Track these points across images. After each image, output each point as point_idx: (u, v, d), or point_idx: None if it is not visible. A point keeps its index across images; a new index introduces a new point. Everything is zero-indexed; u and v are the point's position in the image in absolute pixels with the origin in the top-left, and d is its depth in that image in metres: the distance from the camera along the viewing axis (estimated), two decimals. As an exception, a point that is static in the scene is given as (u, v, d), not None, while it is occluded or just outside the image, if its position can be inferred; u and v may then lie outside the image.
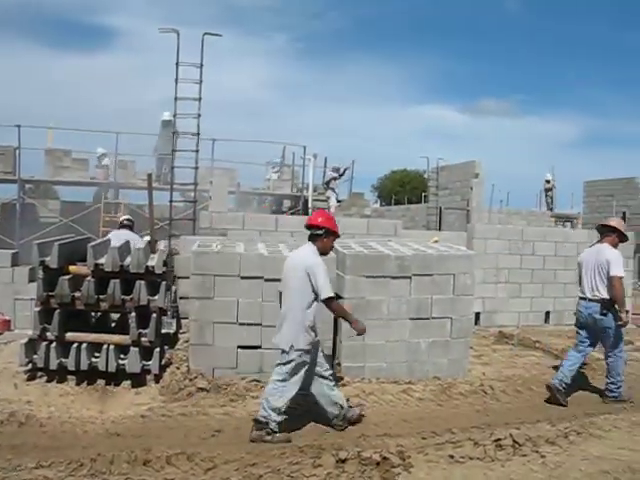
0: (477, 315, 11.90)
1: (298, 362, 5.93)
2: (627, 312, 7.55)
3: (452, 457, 5.30)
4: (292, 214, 20.74)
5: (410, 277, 7.91)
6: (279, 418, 5.86)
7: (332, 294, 5.99)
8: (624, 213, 25.67)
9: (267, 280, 7.41)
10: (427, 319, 7.99)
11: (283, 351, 5.96)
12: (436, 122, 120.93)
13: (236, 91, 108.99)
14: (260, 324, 7.42)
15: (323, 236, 6.26)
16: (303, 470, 4.84)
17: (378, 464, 4.95)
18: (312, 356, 6.05)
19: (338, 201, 23.54)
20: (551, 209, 29.20)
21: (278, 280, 7.11)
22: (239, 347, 7.42)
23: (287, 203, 24.90)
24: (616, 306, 7.36)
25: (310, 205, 21.59)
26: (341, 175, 23.70)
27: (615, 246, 7.71)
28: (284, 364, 5.94)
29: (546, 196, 29.78)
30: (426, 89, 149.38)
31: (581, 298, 7.64)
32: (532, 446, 5.61)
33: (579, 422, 6.40)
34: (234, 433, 5.93)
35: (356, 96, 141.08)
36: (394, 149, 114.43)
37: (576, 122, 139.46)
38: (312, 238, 6.28)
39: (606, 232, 7.81)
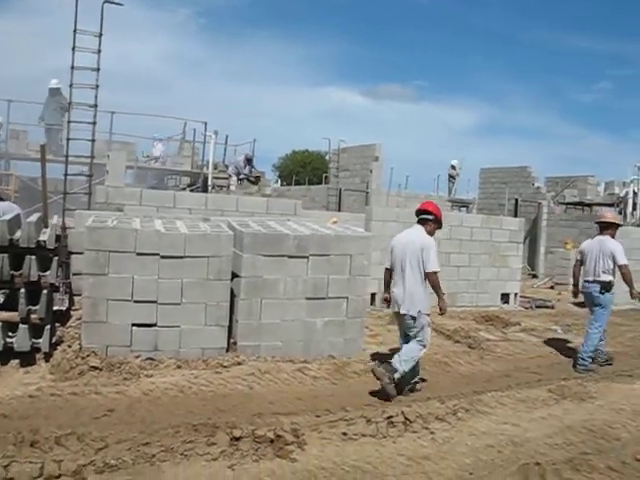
0: (373, 296, 12.09)
1: (425, 323, 7.00)
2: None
3: (345, 434, 5.39)
4: (192, 191, 20.42)
5: (307, 257, 7.96)
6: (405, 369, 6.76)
7: (438, 269, 7.04)
8: (516, 200, 26.61)
9: (163, 257, 7.28)
10: (323, 299, 8.07)
11: (412, 317, 6.89)
12: (338, 104, 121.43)
13: (137, 64, 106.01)
14: (156, 302, 7.28)
15: (432, 222, 7.30)
16: (197, 448, 4.82)
17: (272, 442, 4.98)
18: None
19: (240, 180, 23.46)
20: (452, 194, 29.94)
21: (175, 257, 7.05)
22: (134, 325, 7.26)
23: (186, 180, 24.50)
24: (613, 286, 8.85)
25: (210, 183, 21.33)
26: (249, 162, 23.69)
27: (613, 237, 9.03)
28: (418, 329, 6.94)
29: (449, 182, 30.49)
30: (329, 71, 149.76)
31: (585, 280, 8.97)
32: (422, 423, 5.79)
33: (467, 400, 6.64)
34: (127, 412, 5.81)
35: (259, 75, 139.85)
36: (296, 129, 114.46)
37: (474, 110, 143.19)
38: (421, 222, 7.31)
39: (605, 225, 9.08)
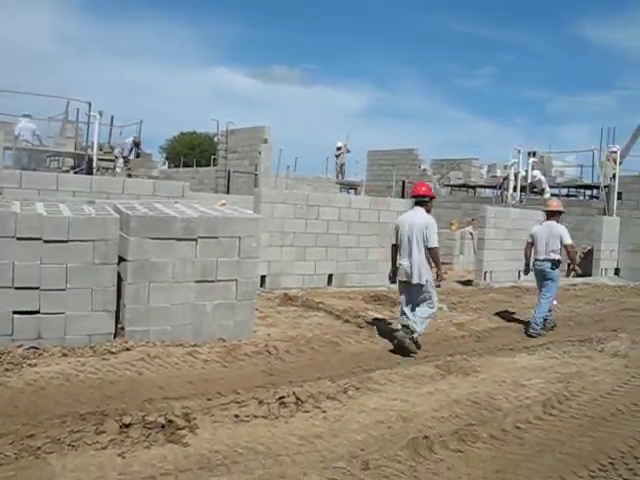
0: (263, 278, 12.09)
1: (431, 289, 8.34)
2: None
3: (237, 416, 5.37)
4: (75, 173, 19.72)
5: (196, 239, 7.84)
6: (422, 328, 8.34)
7: (437, 245, 8.38)
8: (403, 182, 27.19)
9: (47, 242, 6.99)
10: (212, 282, 7.98)
11: (415, 285, 8.22)
12: (227, 86, 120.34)
13: (18, 42, 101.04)
14: (38, 288, 6.99)
15: (428, 202, 8.75)
16: (85, 438, 4.67)
17: (163, 427, 4.90)
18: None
19: (126, 162, 22.93)
20: (340, 176, 30.24)
21: (59, 242, 6.79)
22: (15, 312, 6.94)
23: (69, 162, 23.63)
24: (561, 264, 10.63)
25: (95, 165, 20.66)
26: (137, 146, 23.16)
27: (558, 222, 10.73)
28: (427, 295, 8.33)
29: (336, 164, 30.78)
30: (218, 52, 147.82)
31: (535, 259, 10.51)
32: (314, 402, 5.84)
33: (358, 378, 6.75)
34: (9, 404, 5.55)
35: (145, 54, 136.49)
36: (184, 110, 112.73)
37: (364, 93, 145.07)
38: (420, 204, 8.69)
39: (552, 212, 10.80)
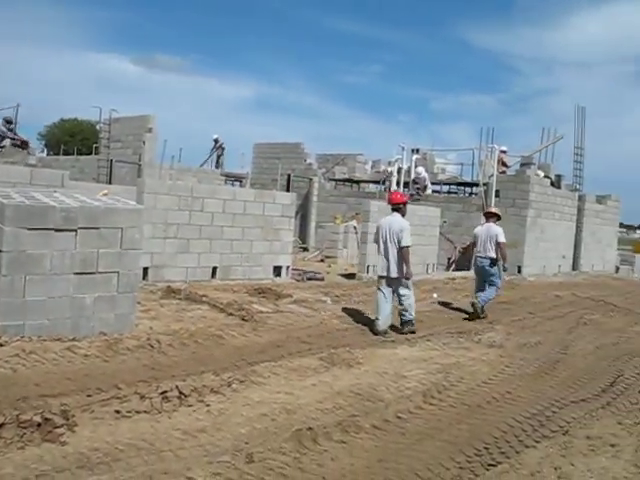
0: (145, 270, 11.84)
1: (406, 281, 9.85)
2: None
3: (118, 412, 5.23)
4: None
5: (76, 230, 7.55)
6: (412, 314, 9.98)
7: (410, 244, 9.81)
8: (289, 175, 27.29)
9: None
10: (93, 274, 7.72)
11: (394, 278, 9.76)
12: (110, 72, 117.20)
13: None
14: None
15: (402, 207, 10.19)
16: (-48, 439, 4.42)
17: (39, 426, 4.69)
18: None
19: (1, 147, 21.90)
20: (217, 167, 29.94)
21: None
22: None
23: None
24: (500, 261, 11.99)
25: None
26: (9, 124, 22.11)
27: (495, 223, 12.17)
28: (402, 284, 9.86)
29: (212, 154, 30.47)
30: (102, 37, 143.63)
31: (477, 256, 12.10)
32: (198, 396, 5.77)
33: (242, 371, 6.72)
34: None
35: (22, 37, 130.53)
36: (64, 96, 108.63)
37: (251, 86, 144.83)
38: (397, 210, 10.14)
39: (490, 215, 12.40)
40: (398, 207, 10.14)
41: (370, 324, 9.97)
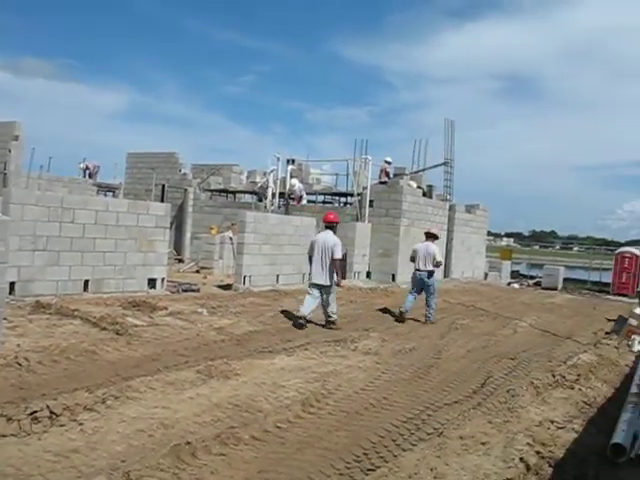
0: (12, 285, 11.30)
1: (333, 288, 11.80)
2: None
3: (-18, 437, 4.96)
4: None
5: (-64, 244, 7.12)
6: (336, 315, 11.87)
7: (341, 257, 11.94)
8: (163, 186, 26.83)
9: None
10: (-45, 290, 7.30)
11: (326, 285, 11.63)
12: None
13: None
14: None
15: (335, 226, 12.11)
16: None
17: None
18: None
19: None
20: (90, 177, 29.14)
21: None
22: None
23: None
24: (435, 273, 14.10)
25: None
26: None
27: (433, 242, 14.14)
28: (331, 291, 11.77)
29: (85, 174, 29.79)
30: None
31: (416, 269, 13.86)
32: (70, 415, 5.55)
33: (117, 387, 6.52)
34: None
35: None
36: None
37: (126, 95, 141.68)
38: (330, 228, 12.00)
39: (430, 235, 14.31)
40: (331, 225, 12.04)
41: (247, 335, 9.96)
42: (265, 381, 7.46)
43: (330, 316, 11.77)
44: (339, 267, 11.82)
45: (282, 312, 12.78)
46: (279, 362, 8.53)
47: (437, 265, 13.99)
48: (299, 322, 11.42)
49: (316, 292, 11.70)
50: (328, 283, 11.64)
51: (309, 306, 11.64)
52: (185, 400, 6.46)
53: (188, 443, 5.10)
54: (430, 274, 13.83)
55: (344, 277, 12.59)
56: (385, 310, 14.64)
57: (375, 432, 5.91)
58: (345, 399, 7.02)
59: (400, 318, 13.50)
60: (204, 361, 8.04)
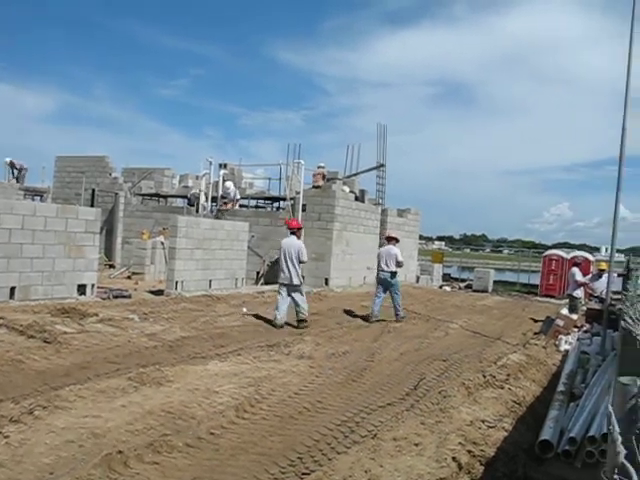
0: None
1: (302, 287, 13.02)
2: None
3: None
4: None
5: None
6: (307, 312, 12.93)
7: (307, 260, 13.42)
8: (93, 190, 26.34)
9: None
10: None
11: (297, 285, 12.80)
12: None
13: None
14: None
15: (297, 231, 13.18)
16: None
17: None
18: None
19: None
20: (17, 181, 28.35)
21: None
22: None
23: None
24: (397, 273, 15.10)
25: None
26: None
27: (395, 245, 15.06)
28: (300, 290, 12.94)
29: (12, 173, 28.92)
30: None
31: (380, 270, 14.84)
32: (-5, 427, 5.38)
33: (45, 397, 6.36)
34: None
35: None
36: None
37: (55, 97, 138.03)
38: (293, 233, 13.11)
39: (390, 238, 15.33)
40: (294, 231, 13.17)
41: (179, 341, 9.86)
42: (198, 387, 7.38)
43: (300, 314, 12.77)
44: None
45: (216, 317, 12.68)
46: (212, 368, 8.46)
47: (399, 265, 14.99)
48: (276, 323, 12.53)
49: (285, 292, 12.78)
50: (297, 282, 12.82)
51: (282, 311, 12.69)
52: (117, 408, 6.34)
53: (120, 452, 5.00)
54: (393, 274, 14.84)
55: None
56: (318, 313, 14.67)
57: (309, 436, 5.92)
58: (279, 404, 7.01)
59: (370, 320, 14.52)
60: (136, 368, 7.91)
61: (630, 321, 6.96)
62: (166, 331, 10.84)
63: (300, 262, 12.90)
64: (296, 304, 12.82)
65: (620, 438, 1.91)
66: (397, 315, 14.88)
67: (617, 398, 2.68)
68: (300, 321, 12.75)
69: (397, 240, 15.38)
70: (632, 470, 1.72)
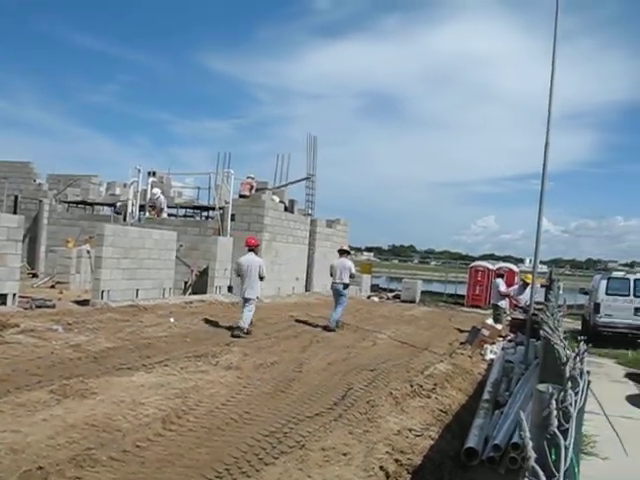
0: None
1: (255, 301, 13.63)
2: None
3: None
4: None
5: None
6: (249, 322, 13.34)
7: (266, 275, 13.99)
8: (16, 197, 25.62)
9: None
10: None
11: (251, 299, 13.44)
12: None
13: None
14: None
15: (255, 249, 13.94)
16: None
17: None
18: None
19: None
20: None
21: None
22: None
23: None
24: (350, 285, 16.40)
25: None
26: None
27: (347, 258, 16.33)
28: (251, 304, 13.45)
29: None
30: None
31: (333, 282, 15.68)
32: None
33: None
34: None
35: None
36: None
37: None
38: (252, 250, 13.80)
39: (343, 252, 16.28)
40: (252, 248, 13.83)
41: (104, 352, 9.68)
42: (124, 399, 7.24)
43: (242, 321, 13.24)
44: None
45: (143, 328, 12.48)
46: (138, 379, 8.31)
47: (352, 277, 16.09)
48: (236, 333, 12.86)
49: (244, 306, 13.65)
50: (253, 297, 13.54)
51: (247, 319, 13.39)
52: (37, 422, 6.16)
53: (40, 468, 4.87)
54: (345, 286, 15.71)
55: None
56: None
57: (237, 447, 5.88)
58: (206, 415, 6.94)
59: (330, 329, 15.14)
60: (59, 380, 7.71)
61: (549, 330, 7.18)
62: (91, 342, 10.60)
63: (260, 278, 13.58)
64: (242, 312, 13.37)
65: (531, 443, 1.99)
66: (331, 323, 15.33)
67: (536, 405, 2.77)
68: (236, 328, 13.03)
69: (349, 252, 16.78)
70: (541, 473, 1.80)
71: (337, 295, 15.74)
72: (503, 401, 8.71)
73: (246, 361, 10.16)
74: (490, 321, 16.54)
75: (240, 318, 13.30)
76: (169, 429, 6.32)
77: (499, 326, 16.36)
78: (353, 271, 16.06)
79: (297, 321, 16.30)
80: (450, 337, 16.47)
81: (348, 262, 15.97)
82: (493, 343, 14.49)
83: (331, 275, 15.97)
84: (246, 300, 13.50)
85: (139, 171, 23.89)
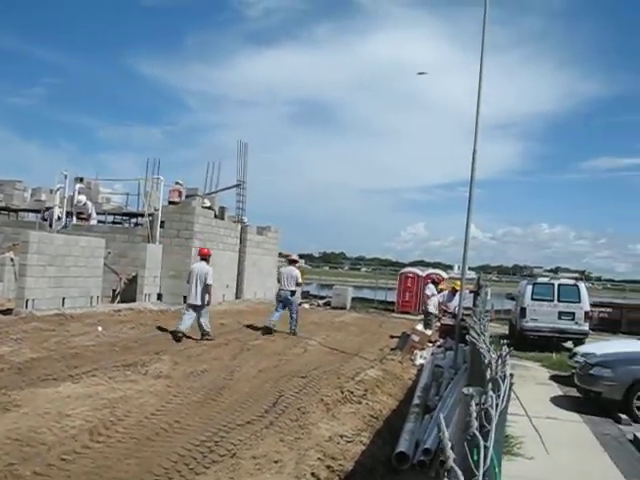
0: None
1: (206, 307, 14.14)
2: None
3: None
4: None
5: None
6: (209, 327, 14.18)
7: (212, 283, 14.39)
8: None
9: None
10: None
11: (199, 305, 13.97)
12: None
13: None
14: None
15: (207, 258, 14.78)
16: None
17: None
18: None
19: None
20: None
21: None
22: None
23: None
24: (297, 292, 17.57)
25: None
26: None
27: (295, 266, 17.38)
28: (203, 310, 14.06)
29: None
30: None
31: (280, 289, 16.48)
32: None
33: None
34: None
35: None
36: None
37: None
38: (204, 259, 14.71)
39: (291, 261, 17.76)
40: (205, 258, 14.77)
41: (29, 363, 9.43)
42: (49, 411, 7.07)
43: (204, 330, 14.08)
44: (210, 291, 14.24)
45: (69, 337, 12.21)
46: (64, 390, 8.13)
47: (299, 285, 17.33)
48: (178, 335, 13.51)
49: (192, 311, 14.04)
50: (200, 303, 14.04)
51: (186, 323, 13.86)
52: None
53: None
54: (292, 293, 16.58)
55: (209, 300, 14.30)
56: (164, 330, 14.44)
57: (167, 457, 5.81)
58: (135, 425, 6.84)
59: (267, 331, 15.94)
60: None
61: (475, 335, 7.34)
62: (14, 352, 10.31)
63: (206, 285, 14.12)
64: (199, 322, 14.04)
65: (450, 444, 2.05)
66: (291, 329, 16.36)
67: (462, 407, 2.84)
68: (203, 334, 14.06)
69: (297, 262, 18.18)
70: (459, 472, 1.86)
71: (284, 302, 16.58)
72: (433, 405, 8.85)
73: (176, 370, 10.06)
74: (420, 327, 16.80)
75: (179, 323, 13.81)
76: (97, 441, 6.21)
77: (429, 332, 16.63)
78: (299, 280, 17.04)
79: (228, 329, 16.19)
80: (381, 343, 16.64)
81: (295, 271, 16.86)
82: (423, 349, 14.71)
83: (278, 282, 16.93)
84: (190, 306, 14.12)
85: (65, 177, 23.32)
